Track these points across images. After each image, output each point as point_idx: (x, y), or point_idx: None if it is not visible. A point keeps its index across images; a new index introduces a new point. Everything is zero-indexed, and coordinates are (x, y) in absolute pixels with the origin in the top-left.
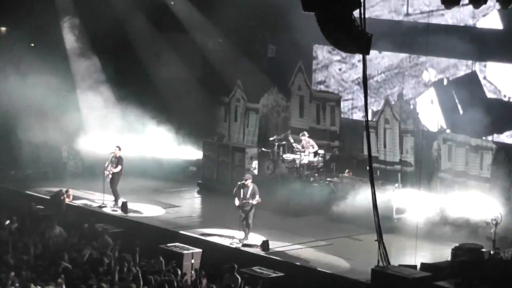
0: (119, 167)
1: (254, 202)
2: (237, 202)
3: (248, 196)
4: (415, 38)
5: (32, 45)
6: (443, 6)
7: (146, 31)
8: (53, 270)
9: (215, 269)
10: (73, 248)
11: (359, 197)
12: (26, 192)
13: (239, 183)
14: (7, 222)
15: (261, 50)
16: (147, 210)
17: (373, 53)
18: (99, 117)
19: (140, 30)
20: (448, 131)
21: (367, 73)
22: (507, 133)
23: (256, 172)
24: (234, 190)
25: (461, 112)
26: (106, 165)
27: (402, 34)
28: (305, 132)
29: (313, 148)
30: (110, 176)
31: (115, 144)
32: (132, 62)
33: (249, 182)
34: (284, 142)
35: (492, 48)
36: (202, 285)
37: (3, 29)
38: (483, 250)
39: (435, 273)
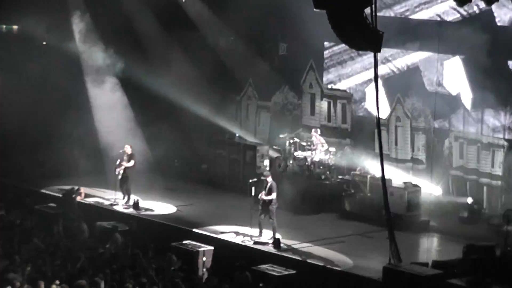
0: (132, 162)
1: (265, 197)
2: (260, 196)
3: (264, 192)
4: None
5: (44, 43)
6: None
7: (156, 30)
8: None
9: (226, 267)
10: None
11: (371, 195)
12: (40, 190)
13: (255, 179)
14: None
15: (272, 48)
16: (158, 208)
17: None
18: (111, 116)
19: (150, 28)
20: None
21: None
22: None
23: (267, 169)
24: (251, 181)
25: None
26: (117, 163)
27: None
28: (318, 129)
29: (323, 146)
30: (122, 171)
31: (126, 143)
32: (143, 61)
33: (269, 179)
34: (295, 140)
35: None
36: (213, 284)
37: (15, 27)
38: (495, 247)
39: (446, 270)
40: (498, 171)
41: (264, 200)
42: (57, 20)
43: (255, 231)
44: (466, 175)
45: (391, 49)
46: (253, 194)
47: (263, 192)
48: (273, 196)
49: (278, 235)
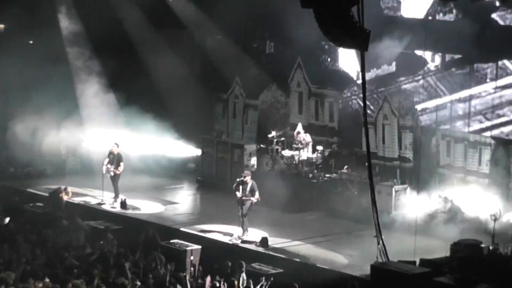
0: (121, 165)
1: (254, 200)
2: (239, 195)
3: (247, 192)
4: None
5: (31, 42)
6: None
7: (144, 27)
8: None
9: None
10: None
11: (358, 193)
12: (26, 189)
13: (238, 179)
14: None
15: (259, 46)
16: (146, 207)
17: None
18: (98, 114)
19: (138, 26)
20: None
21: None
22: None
23: (255, 168)
24: (234, 186)
25: None
26: (104, 162)
27: None
28: (303, 129)
29: (309, 145)
30: (112, 173)
31: (113, 141)
32: (130, 58)
33: (248, 179)
34: (283, 139)
35: None
36: (206, 283)
37: (1, 26)
38: (482, 245)
39: (434, 269)
40: (485, 169)
41: (243, 199)
42: (44, 18)
43: (241, 230)
44: (453, 173)
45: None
46: (240, 193)
47: (246, 192)
48: (257, 195)
49: (247, 232)
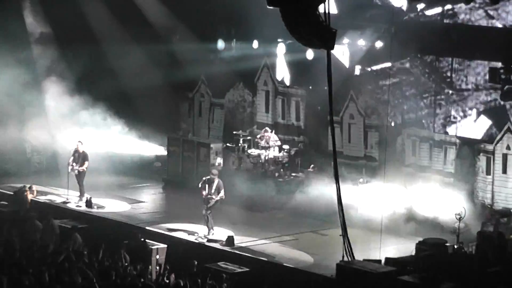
0: (86, 163)
1: (218, 197)
2: (204, 193)
3: (213, 191)
4: None
5: None
6: None
7: (110, 25)
8: None
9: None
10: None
11: (324, 192)
12: None
13: (204, 178)
14: None
15: (225, 45)
16: (112, 205)
17: None
18: (62, 112)
19: (103, 23)
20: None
21: None
22: None
23: (221, 167)
24: (200, 184)
25: None
26: (69, 161)
27: None
28: (267, 128)
29: (276, 143)
30: (76, 171)
31: (77, 139)
32: (96, 56)
33: (215, 177)
34: (249, 137)
35: None
36: (170, 281)
37: None
38: (447, 244)
39: (399, 267)
40: (450, 168)
41: (208, 198)
42: (8, 14)
43: (207, 229)
44: (418, 172)
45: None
46: (206, 192)
47: (212, 190)
48: (222, 194)
49: (212, 231)
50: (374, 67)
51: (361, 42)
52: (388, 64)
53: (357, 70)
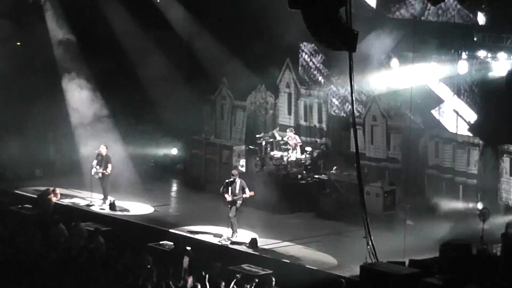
0: (110, 167)
1: (247, 195)
2: (228, 198)
3: (237, 191)
4: None
5: (18, 44)
6: None
7: (131, 29)
8: None
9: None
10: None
11: (347, 194)
12: (14, 191)
13: (226, 181)
14: None
15: (248, 47)
16: (135, 208)
17: None
18: (86, 116)
19: (126, 27)
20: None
21: None
22: None
23: (243, 169)
24: (221, 188)
25: None
26: (93, 164)
27: None
28: (293, 129)
29: (298, 146)
30: (100, 175)
31: (102, 143)
32: (119, 60)
33: (236, 178)
34: (271, 140)
35: None
36: (188, 284)
37: None
38: (472, 246)
39: (423, 269)
40: (474, 169)
41: (234, 199)
42: (31, 21)
43: (231, 231)
44: (441, 174)
45: None
46: (230, 194)
47: (236, 191)
48: (251, 192)
49: (236, 233)
50: None
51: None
52: None
53: None
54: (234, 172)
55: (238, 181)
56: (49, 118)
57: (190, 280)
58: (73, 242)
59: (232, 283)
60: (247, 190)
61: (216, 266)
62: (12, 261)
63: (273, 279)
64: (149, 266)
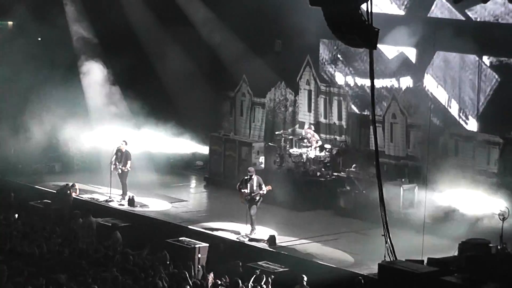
0: (129, 163)
1: (265, 191)
2: (246, 194)
3: (255, 188)
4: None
5: (40, 39)
6: None
7: (151, 25)
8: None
9: (221, 263)
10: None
11: (366, 192)
12: (34, 186)
13: (244, 177)
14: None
15: (268, 44)
16: (154, 204)
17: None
18: (105, 112)
19: (145, 24)
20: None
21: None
22: None
23: (262, 166)
24: (238, 185)
25: None
26: (112, 160)
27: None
28: (312, 126)
29: (317, 142)
30: (120, 170)
31: (121, 139)
32: (138, 56)
33: (252, 175)
34: (291, 137)
35: None
36: (208, 281)
37: (10, 23)
38: (491, 245)
39: (442, 268)
40: (494, 168)
41: (252, 195)
42: (51, 16)
43: (249, 228)
44: (461, 172)
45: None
46: (247, 191)
47: (254, 188)
48: (268, 187)
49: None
50: None
51: None
52: None
53: None
54: (251, 169)
55: (254, 177)
56: (67, 113)
57: (210, 277)
58: (84, 235)
59: (252, 279)
60: (263, 186)
61: (235, 263)
62: (31, 256)
63: (305, 278)
64: (167, 263)
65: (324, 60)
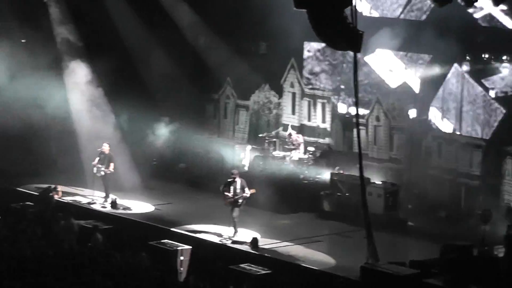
0: (112, 165)
1: (248, 194)
2: (229, 197)
3: (238, 191)
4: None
5: (23, 41)
6: None
7: (136, 28)
8: None
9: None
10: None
11: (349, 194)
12: (16, 188)
13: (227, 180)
14: None
15: (252, 47)
16: (137, 206)
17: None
18: (89, 114)
19: (130, 26)
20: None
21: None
22: None
23: (246, 169)
24: (221, 188)
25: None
26: (95, 162)
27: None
28: (296, 129)
29: (301, 145)
30: (103, 173)
31: (104, 141)
32: (122, 58)
33: (236, 177)
34: (274, 139)
35: None
36: (189, 283)
37: None
38: (473, 247)
39: (424, 270)
40: (476, 171)
41: (235, 198)
42: (35, 17)
43: (232, 230)
44: (444, 175)
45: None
46: (231, 193)
47: (237, 190)
48: (252, 190)
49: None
50: None
51: None
52: None
53: None
54: (234, 171)
55: (238, 180)
56: (51, 115)
57: (191, 279)
58: (64, 237)
59: None
60: (247, 189)
61: (218, 265)
62: (13, 259)
63: None
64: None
65: (309, 63)
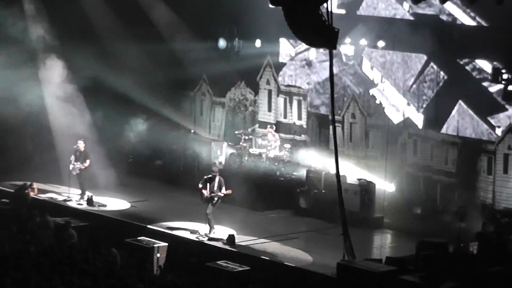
0: (87, 162)
1: (222, 193)
2: (206, 195)
3: (215, 188)
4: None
5: None
6: None
7: (112, 24)
8: None
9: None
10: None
11: (325, 191)
12: None
13: (205, 177)
14: None
15: (228, 44)
16: (112, 204)
17: None
18: (64, 110)
19: (105, 23)
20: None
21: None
22: None
23: (222, 166)
24: (200, 184)
25: None
26: (71, 159)
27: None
28: (273, 126)
29: (277, 142)
30: (78, 170)
31: (79, 138)
32: (97, 55)
33: (216, 175)
34: (251, 136)
35: None
36: (166, 280)
37: None
38: (448, 244)
39: (400, 267)
40: (452, 168)
41: (211, 196)
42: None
43: (208, 228)
44: (419, 172)
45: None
46: (208, 191)
47: (214, 188)
48: (229, 190)
49: (213, 230)
50: None
51: (363, 42)
52: None
53: None
54: (215, 168)
55: (217, 178)
56: (26, 113)
57: (169, 276)
58: (41, 234)
59: None
60: (223, 188)
61: (194, 262)
62: None
63: None
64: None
65: (285, 60)
